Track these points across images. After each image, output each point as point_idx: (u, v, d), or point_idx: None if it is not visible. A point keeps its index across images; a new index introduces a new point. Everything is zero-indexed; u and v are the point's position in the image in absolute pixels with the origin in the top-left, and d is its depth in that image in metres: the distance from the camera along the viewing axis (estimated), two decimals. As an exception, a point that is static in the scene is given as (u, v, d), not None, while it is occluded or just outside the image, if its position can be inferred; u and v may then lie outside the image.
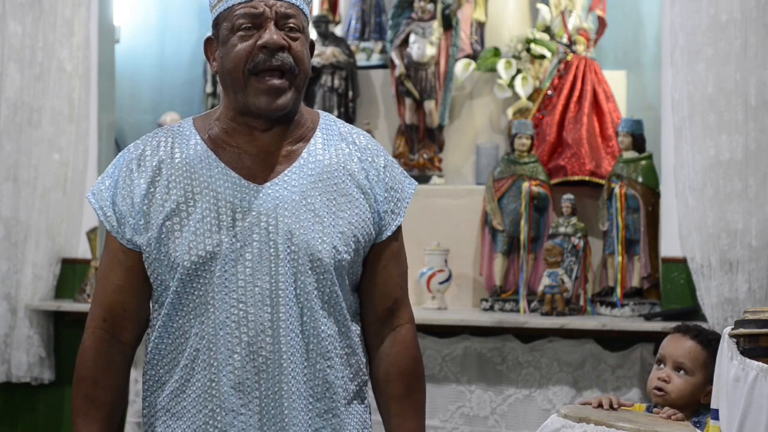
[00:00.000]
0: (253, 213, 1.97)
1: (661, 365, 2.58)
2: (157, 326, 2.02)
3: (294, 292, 1.97)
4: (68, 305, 4.70)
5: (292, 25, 1.98)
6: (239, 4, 1.98)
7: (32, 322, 4.73)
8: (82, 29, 4.80)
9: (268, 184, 1.99)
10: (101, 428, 2.01)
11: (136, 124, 5.47)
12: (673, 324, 3.13)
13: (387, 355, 2.10)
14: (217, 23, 2.03)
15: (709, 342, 2.59)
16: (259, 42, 1.96)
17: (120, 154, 2.07)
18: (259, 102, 1.97)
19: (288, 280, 1.96)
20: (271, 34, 1.96)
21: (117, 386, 2.04)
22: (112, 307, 2.02)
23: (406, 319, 2.12)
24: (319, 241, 1.98)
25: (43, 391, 4.83)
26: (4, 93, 4.73)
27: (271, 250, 1.96)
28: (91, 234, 4.70)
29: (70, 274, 4.83)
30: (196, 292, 1.98)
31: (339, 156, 2.06)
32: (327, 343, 2.01)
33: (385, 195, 2.08)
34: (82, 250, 4.81)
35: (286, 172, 2.01)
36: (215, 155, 2.01)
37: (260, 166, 2.01)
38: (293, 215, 1.98)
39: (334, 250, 1.99)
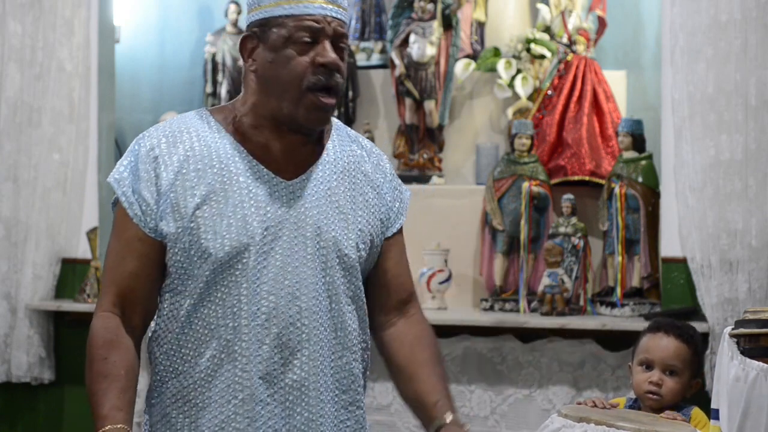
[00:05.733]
0: (284, 207, 2.02)
1: (649, 368, 2.57)
2: (179, 317, 2.02)
3: (324, 287, 2.03)
4: (68, 305, 4.70)
5: (342, 45, 2.03)
6: (301, 15, 1.99)
7: (32, 322, 4.73)
8: (82, 29, 4.80)
9: (296, 180, 2.04)
10: (118, 399, 1.97)
11: (136, 124, 5.46)
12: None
13: (408, 334, 2.16)
14: (265, 24, 2.02)
15: (691, 337, 2.60)
16: (320, 60, 1.99)
17: (138, 141, 2.07)
18: (310, 116, 2.01)
19: (317, 274, 2.02)
20: (330, 54, 1.99)
21: (128, 361, 2.00)
22: (123, 293, 2.01)
23: (419, 308, 2.21)
24: (345, 237, 2.05)
25: (43, 391, 4.83)
26: (4, 93, 4.73)
27: (301, 244, 2.01)
28: (91, 234, 4.70)
29: (70, 274, 4.83)
30: (227, 283, 1.99)
31: (353, 156, 2.14)
32: (352, 336, 2.07)
33: (393, 194, 2.17)
34: (82, 250, 4.81)
35: (312, 169, 2.07)
36: (243, 148, 2.04)
37: (287, 162, 2.05)
38: (321, 211, 2.04)
39: (356, 248, 2.07)
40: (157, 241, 2.00)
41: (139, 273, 2.01)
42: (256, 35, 2.04)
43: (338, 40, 2.02)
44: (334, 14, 2.01)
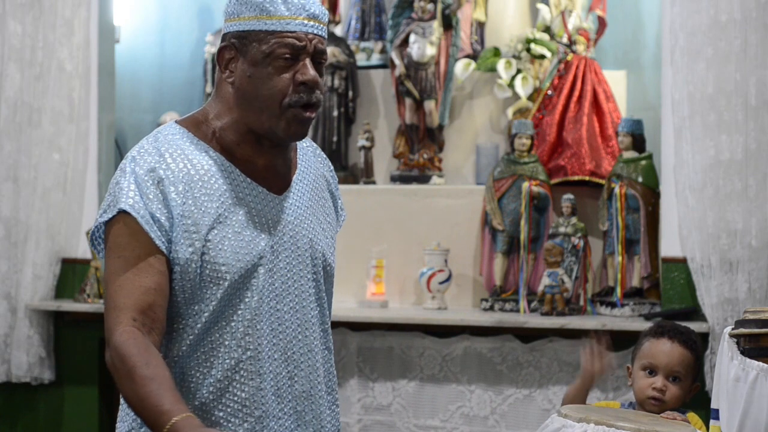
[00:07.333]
0: (282, 223, 2.03)
1: (652, 373, 2.57)
2: (184, 341, 1.97)
3: (315, 296, 2.07)
4: (68, 305, 4.70)
5: (322, 61, 2.03)
6: (282, 32, 1.97)
7: (32, 322, 4.73)
8: (82, 29, 4.80)
9: (285, 194, 2.06)
10: (174, 396, 1.83)
11: (136, 124, 5.46)
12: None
13: None
14: (244, 37, 1.99)
15: (694, 343, 2.60)
16: (300, 78, 1.97)
17: (130, 164, 1.99)
18: (291, 129, 2.00)
19: (311, 285, 2.06)
20: (310, 72, 1.98)
21: (165, 363, 1.89)
22: (142, 309, 1.91)
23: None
24: (328, 246, 2.11)
25: (43, 391, 4.83)
26: (4, 93, 4.73)
27: (299, 258, 2.04)
28: (91, 234, 4.69)
29: (70, 274, 4.83)
30: (239, 304, 1.98)
31: (315, 164, 2.17)
32: (331, 338, 2.14)
33: (337, 193, 2.23)
34: (82, 250, 4.81)
35: (293, 182, 2.08)
36: (234, 166, 2.03)
37: (272, 177, 2.06)
38: (308, 224, 2.07)
39: (333, 255, 2.13)
40: (170, 261, 1.95)
41: (156, 288, 1.92)
42: (234, 46, 2.00)
43: (318, 56, 2.01)
44: (315, 31, 1.99)
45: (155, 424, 1.79)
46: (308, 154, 2.17)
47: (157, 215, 1.94)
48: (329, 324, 2.13)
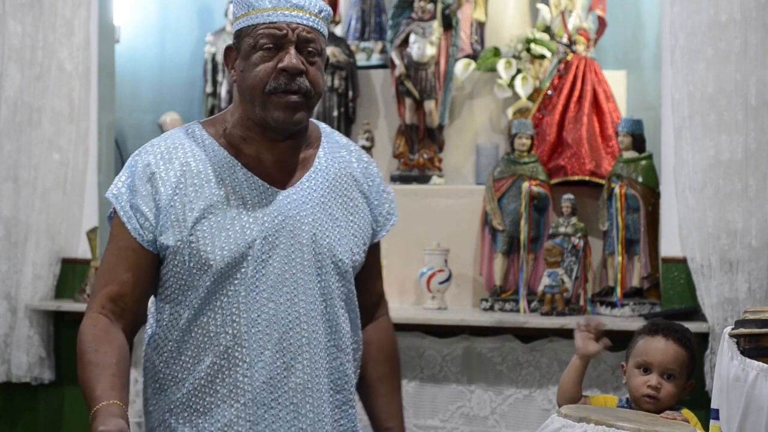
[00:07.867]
0: (280, 217, 2.07)
1: (646, 371, 2.57)
2: (178, 326, 2.06)
3: (319, 291, 2.09)
4: (68, 305, 4.70)
5: (311, 49, 2.07)
6: (264, 24, 2.04)
7: (32, 322, 4.73)
8: (82, 29, 4.80)
9: (290, 189, 2.10)
10: (110, 383, 1.94)
11: (136, 124, 5.46)
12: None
13: (373, 341, 2.29)
14: (239, 36, 2.09)
15: (689, 341, 2.60)
16: (280, 65, 2.04)
17: (134, 157, 2.11)
18: (277, 116, 2.05)
19: (313, 279, 2.08)
20: (291, 59, 2.04)
21: (120, 354, 2.01)
22: (113, 299, 2.05)
23: (385, 310, 2.34)
24: (339, 243, 2.12)
25: (43, 391, 4.83)
26: (4, 93, 4.73)
27: (298, 251, 2.07)
28: (91, 234, 4.70)
29: (70, 274, 4.83)
30: (227, 292, 2.04)
31: (343, 163, 2.20)
32: (346, 338, 2.14)
33: (379, 198, 2.25)
34: (82, 250, 4.81)
35: (303, 178, 2.13)
36: (237, 161, 2.09)
37: (280, 172, 2.11)
38: (315, 219, 2.10)
39: (350, 252, 2.14)
40: (151, 254, 2.06)
41: (130, 281, 2.05)
42: (234, 46, 2.10)
43: (305, 45, 2.06)
44: (298, 21, 2.05)
45: (88, 407, 1.91)
46: (339, 154, 2.21)
47: (143, 208, 2.04)
48: (340, 322, 2.13)
